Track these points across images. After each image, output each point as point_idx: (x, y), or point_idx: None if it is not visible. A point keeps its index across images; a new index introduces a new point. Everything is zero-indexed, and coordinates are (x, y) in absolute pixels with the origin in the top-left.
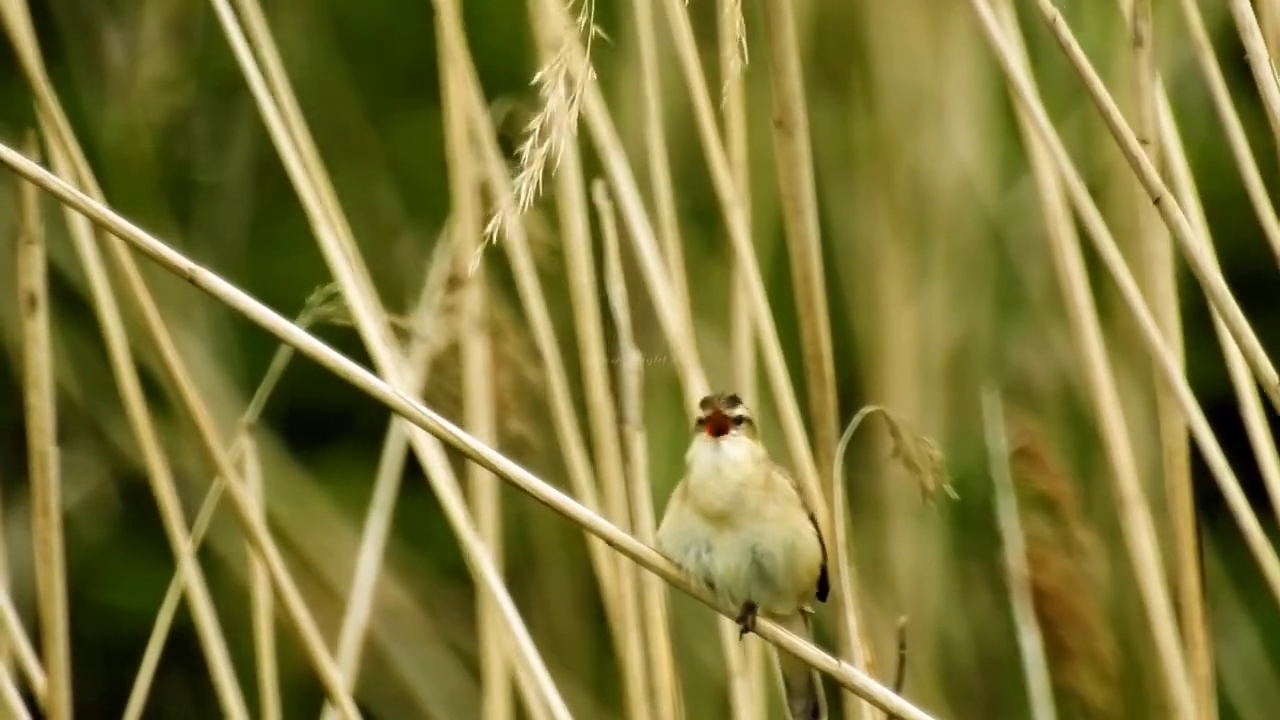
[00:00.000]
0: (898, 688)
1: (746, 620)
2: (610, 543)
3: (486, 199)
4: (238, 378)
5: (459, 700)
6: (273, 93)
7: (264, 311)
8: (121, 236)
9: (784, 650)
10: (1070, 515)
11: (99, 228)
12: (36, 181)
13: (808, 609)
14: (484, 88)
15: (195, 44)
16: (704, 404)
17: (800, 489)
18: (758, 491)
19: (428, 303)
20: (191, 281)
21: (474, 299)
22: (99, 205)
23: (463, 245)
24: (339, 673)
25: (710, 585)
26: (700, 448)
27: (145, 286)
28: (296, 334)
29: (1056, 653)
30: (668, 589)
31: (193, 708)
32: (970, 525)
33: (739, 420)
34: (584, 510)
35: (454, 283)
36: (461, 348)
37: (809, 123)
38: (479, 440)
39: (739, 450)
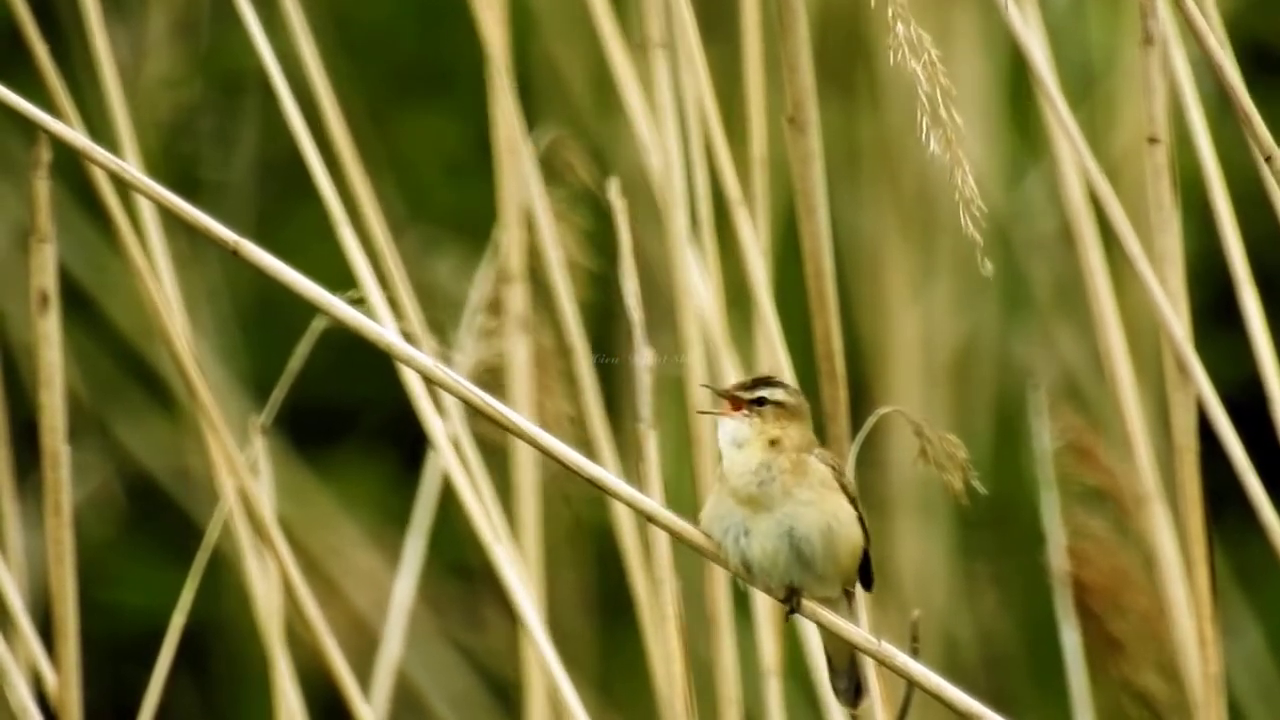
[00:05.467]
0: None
1: (792, 602)
2: (652, 519)
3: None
4: (242, 377)
5: (461, 698)
6: (308, 95)
7: (306, 284)
8: (167, 207)
9: (827, 630)
10: (1124, 508)
11: (141, 197)
12: (83, 153)
13: (851, 590)
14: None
15: (201, 42)
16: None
17: (841, 472)
18: (786, 476)
19: (469, 325)
20: (234, 253)
21: (518, 298)
22: (147, 179)
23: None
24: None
25: (748, 569)
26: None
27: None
28: (339, 306)
29: (1103, 646)
30: (683, 591)
31: (199, 706)
32: (980, 524)
33: (759, 402)
34: (625, 486)
35: (494, 306)
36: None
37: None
38: (519, 415)
39: (740, 429)
